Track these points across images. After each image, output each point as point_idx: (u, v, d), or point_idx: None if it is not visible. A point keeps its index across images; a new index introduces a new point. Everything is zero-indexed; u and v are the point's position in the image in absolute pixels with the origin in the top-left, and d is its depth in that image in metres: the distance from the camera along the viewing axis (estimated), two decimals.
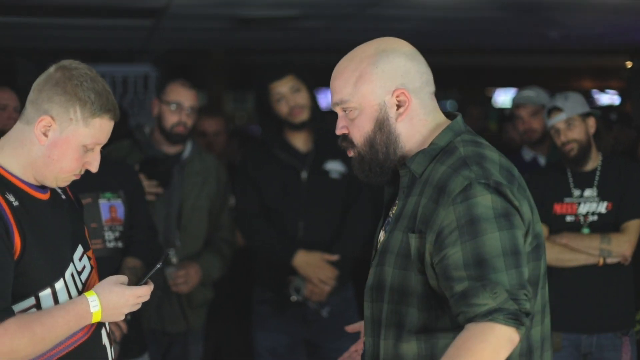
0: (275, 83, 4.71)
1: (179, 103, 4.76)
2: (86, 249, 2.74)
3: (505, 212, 2.33)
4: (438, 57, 11.25)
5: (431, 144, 2.46)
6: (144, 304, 4.62)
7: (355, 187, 4.78)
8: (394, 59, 2.47)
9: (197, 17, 7.04)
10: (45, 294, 2.57)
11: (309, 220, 4.74)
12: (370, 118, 2.48)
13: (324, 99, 13.64)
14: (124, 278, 2.64)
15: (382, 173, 2.52)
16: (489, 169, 2.39)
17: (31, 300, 2.55)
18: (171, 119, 4.76)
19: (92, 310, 2.55)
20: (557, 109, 4.53)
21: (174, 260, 4.74)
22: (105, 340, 2.73)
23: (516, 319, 2.27)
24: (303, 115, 4.71)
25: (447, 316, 2.40)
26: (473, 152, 2.43)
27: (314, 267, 4.67)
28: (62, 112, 2.57)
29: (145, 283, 2.67)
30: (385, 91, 2.46)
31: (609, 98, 13.15)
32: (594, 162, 4.58)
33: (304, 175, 4.76)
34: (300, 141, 4.80)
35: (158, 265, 2.66)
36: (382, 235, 2.56)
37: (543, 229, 4.51)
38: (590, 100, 12.35)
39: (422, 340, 2.42)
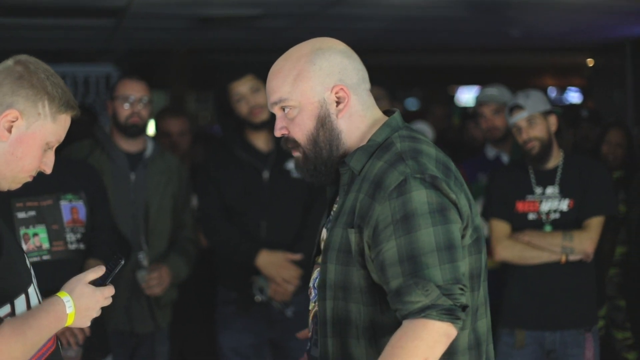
0: (235, 83, 4.70)
1: (129, 95, 4.75)
2: (25, 255, 2.60)
3: (440, 207, 2.36)
4: (401, 56, 11.30)
5: (369, 140, 2.50)
6: (111, 306, 4.62)
7: (317, 186, 4.76)
8: (330, 56, 2.51)
9: (158, 17, 7.00)
10: (20, 300, 2.43)
11: (271, 220, 4.73)
12: (311, 115, 2.50)
13: None
14: (91, 275, 2.51)
15: (327, 172, 2.54)
16: (425, 164, 2.41)
17: (7, 308, 2.39)
18: (124, 112, 4.75)
19: (67, 311, 2.43)
20: (519, 107, 4.55)
21: (144, 262, 4.72)
22: (61, 349, 2.65)
23: (450, 314, 2.30)
24: (263, 115, 4.70)
25: (389, 311, 2.42)
26: (409, 147, 2.45)
27: (277, 267, 4.66)
28: (30, 106, 2.44)
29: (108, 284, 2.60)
30: (325, 88, 2.49)
31: (577, 96, 13.24)
32: (556, 159, 4.60)
33: (265, 175, 4.75)
34: (261, 141, 4.79)
35: (121, 263, 2.59)
36: (324, 233, 2.58)
37: (505, 227, 4.58)
38: (553, 98, 12.45)
39: (366, 338, 2.44)
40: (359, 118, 2.52)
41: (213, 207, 4.77)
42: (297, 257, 4.70)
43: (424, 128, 6.38)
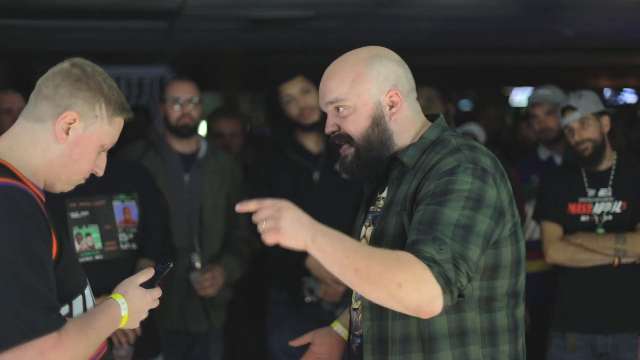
0: (285, 85, 4.71)
1: (179, 97, 4.79)
2: None
3: (478, 197, 2.46)
4: (453, 57, 11.25)
5: (421, 137, 2.65)
6: (166, 306, 4.66)
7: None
8: (387, 63, 2.66)
9: (211, 18, 7.05)
10: (77, 301, 2.45)
11: (321, 221, 4.65)
12: (367, 115, 2.63)
13: None
14: (142, 277, 2.54)
15: (374, 171, 2.66)
16: (479, 156, 2.53)
17: (66, 309, 2.41)
18: (175, 114, 4.80)
19: (122, 313, 2.47)
20: (571, 108, 4.51)
21: (197, 264, 4.75)
22: (112, 348, 2.69)
23: (446, 283, 2.33)
24: (313, 117, 4.70)
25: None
26: (464, 142, 2.59)
27: None
28: (88, 108, 2.45)
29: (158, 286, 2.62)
30: (380, 91, 2.63)
31: (633, 97, 13.09)
32: (609, 161, 4.55)
33: (315, 176, 4.75)
34: (311, 142, 4.80)
35: (169, 266, 2.61)
36: (366, 230, 2.70)
37: (557, 229, 4.54)
38: (607, 98, 12.31)
39: (422, 320, 2.49)
40: (408, 122, 2.66)
41: None
42: None
43: (476, 130, 6.35)
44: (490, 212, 2.47)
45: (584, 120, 4.48)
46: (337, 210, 4.75)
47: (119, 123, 2.53)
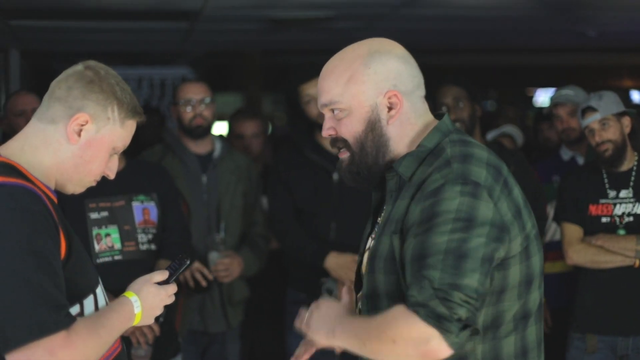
0: (305, 85, 4.71)
1: (190, 98, 4.80)
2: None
3: (468, 216, 2.24)
4: (475, 57, 11.22)
5: (419, 146, 2.40)
6: (186, 307, 4.66)
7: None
8: (387, 60, 2.42)
9: (232, 19, 7.06)
10: (89, 300, 2.45)
11: (340, 222, 4.73)
12: (361, 119, 2.41)
13: None
14: (158, 276, 2.53)
15: (369, 177, 2.47)
16: (471, 169, 2.31)
17: (76, 308, 2.41)
18: (187, 115, 4.81)
19: (135, 311, 2.47)
20: (592, 109, 4.48)
21: (221, 247, 4.76)
22: (132, 348, 2.69)
23: (438, 320, 2.15)
24: None
25: None
26: (460, 151, 2.35)
27: (346, 269, 4.66)
28: (100, 110, 2.45)
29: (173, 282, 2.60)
30: (377, 92, 2.40)
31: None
32: (630, 162, 4.52)
33: (335, 176, 4.75)
34: None
35: (186, 263, 2.61)
36: (370, 242, 2.51)
37: (577, 231, 4.51)
38: (627, 99, 12.24)
39: None
40: (409, 125, 2.43)
41: (283, 208, 4.78)
42: None
43: (514, 131, 6.31)
44: (487, 230, 2.24)
45: (605, 121, 4.45)
46: (357, 211, 4.74)
47: (131, 126, 2.53)
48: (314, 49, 9.34)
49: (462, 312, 2.16)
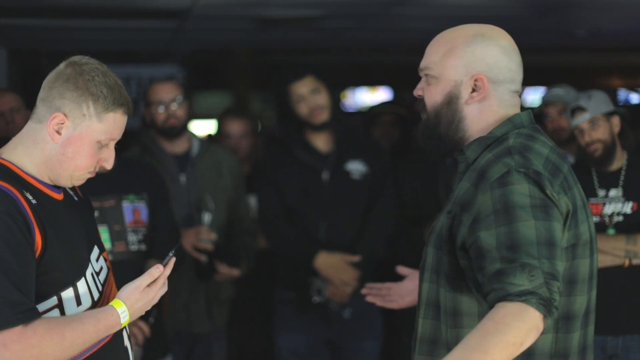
0: (295, 84, 4.70)
1: (161, 99, 4.74)
2: (101, 250, 2.70)
3: (542, 202, 2.33)
4: None
5: (489, 132, 2.51)
6: (172, 307, 4.65)
7: (377, 188, 4.76)
8: (488, 46, 2.52)
9: (221, 18, 7.05)
10: (68, 293, 2.53)
11: (330, 221, 4.73)
12: (443, 91, 2.52)
13: (350, 99, 13.64)
14: (146, 281, 2.55)
15: (438, 145, 2.58)
16: (531, 159, 2.40)
17: (53, 300, 2.51)
18: (160, 116, 4.76)
19: (122, 321, 2.52)
20: (581, 109, 4.47)
21: (208, 217, 4.77)
22: (126, 341, 2.70)
23: (546, 306, 2.24)
24: (323, 116, 4.70)
25: (473, 300, 2.43)
26: (521, 143, 2.45)
27: (336, 269, 4.66)
28: (75, 108, 2.51)
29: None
30: (466, 71, 2.51)
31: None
32: (619, 161, 4.52)
33: (325, 175, 4.75)
34: (321, 141, 4.79)
35: (171, 254, 2.60)
36: None
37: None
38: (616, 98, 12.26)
39: (449, 325, 2.46)
40: (490, 112, 2.52)
41: (272, 207, 4.78)
42: (356, 259, 4.69)
43: None
44: (557, 215, 2.35)
45: (594, 120, 4.45)
46: (346, 211, 4.75)
47: (112, 118, 2.55)
48: (303, 48, 9.35)
49: (557, 297, 2.28)
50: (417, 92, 2.59)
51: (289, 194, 4.76)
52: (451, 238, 2.43)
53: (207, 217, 4.76)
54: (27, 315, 2.39)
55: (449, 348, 2.42)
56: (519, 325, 2.23)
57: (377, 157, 4.83)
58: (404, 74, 12.30)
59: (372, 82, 13.54)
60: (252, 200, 5.13)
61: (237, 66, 10.34)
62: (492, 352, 2.21)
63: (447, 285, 2.45)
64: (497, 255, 2.29)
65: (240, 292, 5.08)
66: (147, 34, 7.99)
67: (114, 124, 2.56)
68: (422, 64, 2.57)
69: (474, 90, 2.50)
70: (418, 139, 2.62)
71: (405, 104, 6.63)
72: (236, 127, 5.79)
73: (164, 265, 2.56)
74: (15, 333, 2.36)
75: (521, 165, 2.37)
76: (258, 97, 13.04)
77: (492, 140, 2.48)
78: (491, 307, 2.28)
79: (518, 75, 2.57)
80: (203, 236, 4.67)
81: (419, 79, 2.62)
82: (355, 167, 4.78)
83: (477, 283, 2.37)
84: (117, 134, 2.58)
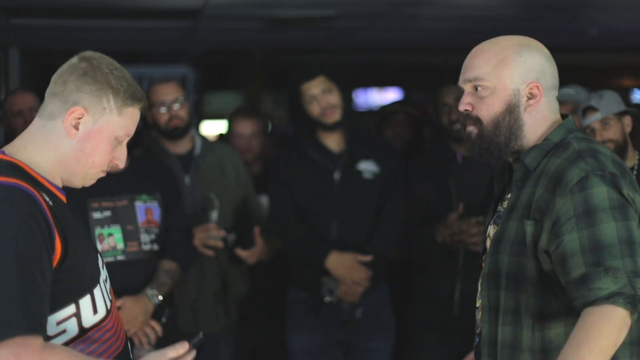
0: (307, 84, 4.70)
1: (163, 100, 4.70)
2: (99, 255, 2.59)
3: (620, 203, 2.46)
4: None
5: (545, 139, 2.62)
6: (180, 306, 4.66)
7: (389, 188, 4.76)
8: (536, 54, 2.64)
9: (233, 18, 7.06)
10: (85, 300, 2.42)
11: (342, 221, 4.73)
12: (503, 101, 2.62)
13: (362, 99, 13.63)
14: (171, 354, 2.39)
15: (498, 156, 2.66)
16: (604, 162, 2.52)
17: (72, 309, 2.39)
18: (163, 117, 4.71)
19: None
20: (592, 109, 4.47)
21: (214, 215, 4.80)
22: (130, 353, 2.60)
23: (632, 303, 2.39)
24: (335, 116, 4.70)
25: (560, 301, 2.53)
26: (587, 146, 2.57)
27: (347, 268, 4.66)
28: (95, 101, 2.42)
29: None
30: (522, 80, 2.62)
31: None
32: (631, 161, 4.51)
33: (336, 175, 4.75)
34: (332, 141, 4.79)
35: (200, 335, 2.51)
36: (491, 229, 2.71)
37: None
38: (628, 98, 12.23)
39: (536, 328, 2.55)
40: (542, 118, 2.64)
41: (284, 207, 4.78)
42: (367, 258, 4.69)
43: None
44: (633, 213, 2.49)
45: (606, 120, 4.45)
46: (358, 210, 4.75)
47: (131, 113, 2.49)
48: (316, 48, 9.35)
49: None
50: (464, 107, 2.67)
51: (301, 193, 4.76)
52: (535, 244, 2.53)
53: (214, 215, 4.78)
54: (43, 328, 2.25)
55: (532, 351, 2.54)
56: (609, 328, 2.38)
57: (388, 157, 4.83)
58: (414, 74, 12.30)
59: (382, 82, 13.54)
60: (264, 200, 5.14)
61: (248, 66, 10.35)
62: None
63: (532, 290, 2.55)
64: (582, 259, 2.43)
65: (253, 292, 5.09)
66: (159, 34, 8.01)
67: (132, 119, 2.50)
68: (469, 76, 2.65)
69: (529, 98, 2.62)
70: (470, 151, 2.70)
71: (416, 103, 6.62)
72: (246, 127, 5.77)
73: (192, 345, 2.44)
74: (31, 346, 2.20)
75: (597, 169, 2.49)
76: (270, 97, 13.06)
77: (551, 146, 2.60)
78: (579, 312, 2.42)
79: (558, 80, 2.70)
80: (212, 233, 4.69)
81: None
82: (367, 167, 4.78)
83: (562, 285, 2.49)
84: (133, 129, 2.51)
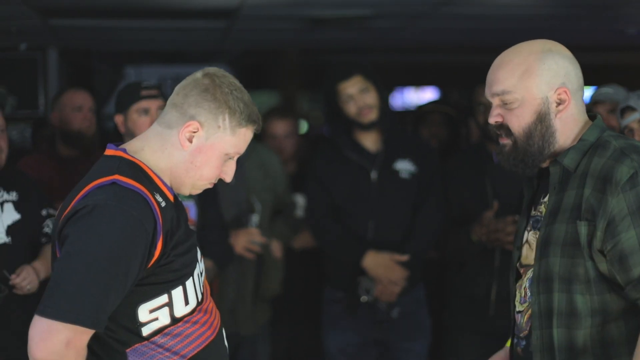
0: (343, 83, 4.70)
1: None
2: (198, 249, 2.73)
3: None
4: None
5: (580, 140, 2.63)
6: (219, 308, 4.69)
7: (426, 187, 4.75)
8: (559, 59, 2.64)
9: (269, 18, 7.07)
10: (177, 291, 2.55)
11: (378, 221, 4.73)
12: (532, 110, 2.62)
13: (399, 98, 13.62)
14: None
15: (532, 165, 2.66)
16: None
17: (164, 298, 2.53)
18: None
19: None
20: (631, 109, 4.44)
21: (255, 218, 4.86)
22: (225, 340, 2.74)
23: None
24: (372, 115, 4.70)
25: (619, 299, 2.55)
26: (626, 144, 2.59)
27: (384, 268, 4.66)
28: (211, 118, 2.54)
29: None
30: (549, 87, 2.62)
31: None
32: None
33: (373, 175, 4.75)
34: (369, 141, 4.79)
35: None
36: (530, 235, 2.71)
37: None
38: None
39: (593, 327, 2.56)
40: (573, 121, 2.65)
41: (321, 207, 4.79)
42: (404, 258, 4.68)
43: None
44: None
45: None
46: (395, 210, 4.75)
47: (244, 133, 2.59)
48: (352, 47, 9.34)
49: None
50: (494, 119, 2.67)
51: (338, 193, 4.77)
52: (589, 244, 2.54)
53: (255, 219, 4.80)
54: (101, 325, 2.42)
55: (593, 351, 2.56)
56: None
57: (425, 157, 4.82)
58: (451, 74, 12.26)
59: (419, 81, 13.51)
60: (299, 199, 5.15)
61: (285, 66, 10.36)
62: None
63: (589, 290, 2.55)
64: (635, 256, 2.47)
65: (289, 292, 5.10)
66: (196, 34, 8.03)
67: (244, 139, 2.60)
68: (496, 89, 2.64)
69: (559, 104, 2.62)
70: (504, 164, 2.69)
71: (453, 103, 6.61)
72: (280, 127, 5.77)
73: None
74: (81, 339, 2.40)
75: None
76: (306, 97, 13.06)
77: (588, 146, 2.61)
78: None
79: (582, 81, 2.70)
80: (255, 238, 4.71)
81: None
82: (404, 167, 4.78)
83: (619, 284, 2.51)
84: (244, 148, 2.62)
